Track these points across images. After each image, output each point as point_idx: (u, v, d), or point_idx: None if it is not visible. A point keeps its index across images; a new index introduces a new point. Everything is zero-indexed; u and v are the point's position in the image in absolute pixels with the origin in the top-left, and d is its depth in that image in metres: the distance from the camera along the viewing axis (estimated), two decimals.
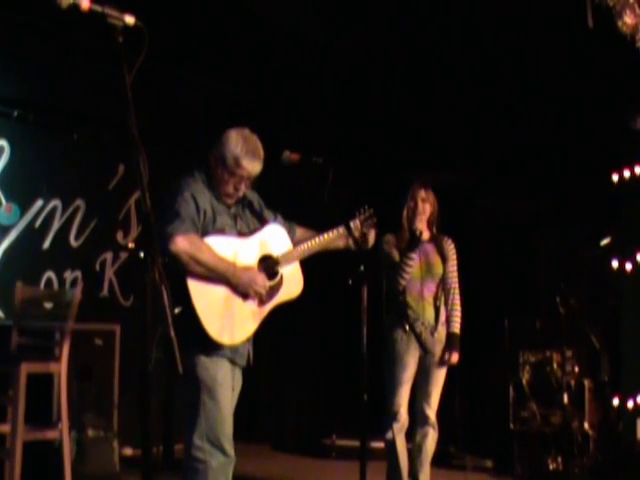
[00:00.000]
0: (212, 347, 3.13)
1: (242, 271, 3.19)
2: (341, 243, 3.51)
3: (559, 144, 6.42)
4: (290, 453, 6.77)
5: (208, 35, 5.69)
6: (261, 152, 3.26)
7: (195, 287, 3.07)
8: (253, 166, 3.23)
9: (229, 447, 3.17)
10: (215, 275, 3.11)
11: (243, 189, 3.29)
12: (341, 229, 3.46)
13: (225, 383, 3.20)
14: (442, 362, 4.44)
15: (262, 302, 3.27)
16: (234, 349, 3.22)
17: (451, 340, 4.46)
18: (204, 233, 3.15)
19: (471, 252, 4.88)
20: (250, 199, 3.44)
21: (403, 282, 4.43)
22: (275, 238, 3.41)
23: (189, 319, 3.02)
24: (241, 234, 3.31)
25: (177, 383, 3.25)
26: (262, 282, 3.24)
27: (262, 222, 3.43)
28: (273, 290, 3.31)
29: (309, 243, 3.44)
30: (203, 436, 3.11)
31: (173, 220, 3.06)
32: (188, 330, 3.01)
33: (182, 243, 3.02)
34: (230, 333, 3.16)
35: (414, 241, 4.41)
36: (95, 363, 5.20)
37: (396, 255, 4.49)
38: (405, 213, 4.54)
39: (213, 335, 3.08)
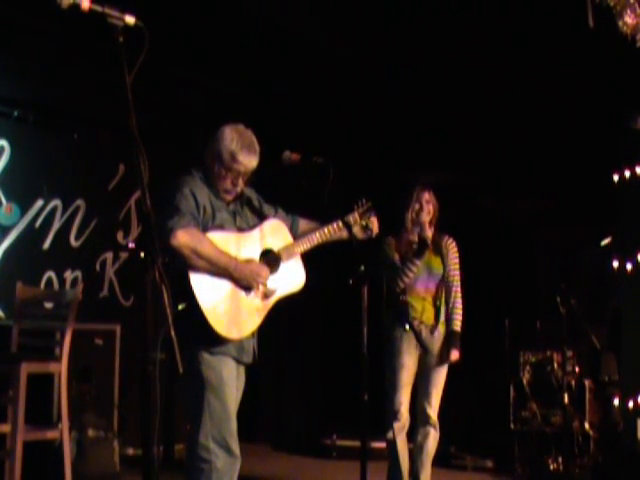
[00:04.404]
0: (217, 345, 3.13)
1: (244, 264, 3.20)
2: (345, 234, 3.50)
3: (559, 144, 6.42)
4: (290, 453, 6.76)
5: (208, 35, 5.69)
6: (256, 146, 3.27)
7: (198, 282, 3.07)
8: (249, 160, 3.24)
9: (235, 446, 3.17)
10: (217, 269, 3.11)
11: (241, 184, 3.30)
12: (340, 223, 3.46)
13: (230, 381, 3.20)
14: (442, 359, 4.44)
15: (266, 296, 3.27)
16: (240, 347, 3.22)
17: (451, 337, 4.46)
18: (204, 229, 3.16)
19: (471, 252, 4.87)
20: (248, 196, 3.45)
21: (402, 285, 4.44)
22: (275, 232, 3.41)
23: (193, 316, 3.02)
24: (241, 230, 3.31)
25: (180, 382, 3.24)
26: (265, 274, 3.25)
27: (261, 218, 3.43)
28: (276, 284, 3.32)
29: (310, 237, 3.45)
30: (208, 435, 3.11)
31: (173, 215, 3.06)
32: (193, 328, 3.02)
33: (183, 237, 3.02)
34: (238, 328, 3.16)
35: (423, 248, 4.41)
36: (95, 363, 5.20)
37: (397, 258, 4.49)
38: (409, 215, 4.53)
39: (221, 331, 3.08)
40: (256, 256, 3.30)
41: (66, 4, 2.06)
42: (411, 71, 6.18)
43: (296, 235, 3.51)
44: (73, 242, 5.83)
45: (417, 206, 4.52)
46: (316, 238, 3.46)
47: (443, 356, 4.43)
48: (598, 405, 6.00)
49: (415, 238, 4.49)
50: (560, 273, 6.74)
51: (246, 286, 3.21)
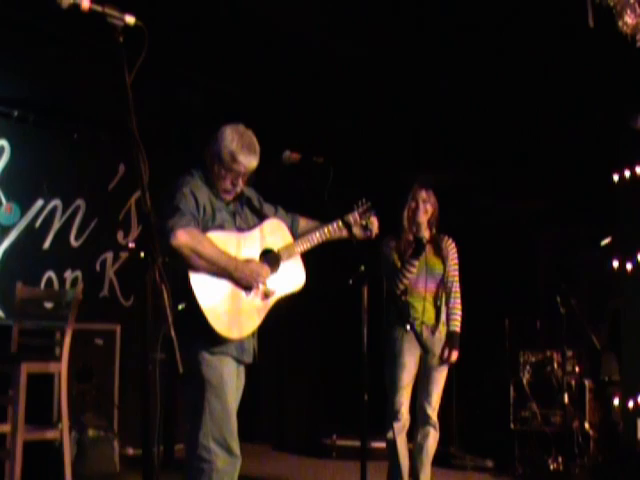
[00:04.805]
0: (218, 345, 3.13)
1: (244, 264, 3.20)
2: (345, 233, 3.50)
3: (559, 144, 6.42)
4: (290, 453, 6.77)
5: (208, 35, 5.69)
6: (256, 147, 3.27)
7: (198, 282, 3.07)
8: (249, 161, 3.24)
9: (235, 446, 3.17)
10: (217, 269, 3.11)
11: (240, 184, 3.30)
12: (340, 223, 3.47)
13: (230, 381, 3.20)
14: (442, 360, 4.44)
15: (266, 296, 3.28)
16: (240, 347, 3.23)
17: (451, 338, 4.47)
18: (204, 229, 3.16)
19: (471, 252, 4.87)
20: (248, 196, 3.45)
21: (402, 287, 4.44)
22: (275, 232, 3.42)
23: (193, 316, 3.02)
24: (241, 230, 3.32)
25: (180, 382, 3.24)
26: (266, 274, 3.25)
27: (261, 218, 3.44)
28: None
29: (310, 237, 3.46)
30: (209, 435, 3.11)
31: (173, 215, 3.06)
32: (193, 327, 3.02)
33: (183, 237, 3.02)
34: (238, 328, 3.17)
35: (419, 249, 4.41)
36: (95, 363, 5.20)
37: (396, 258, 4.49)
38: (406, 214, 4.53)
39: (221, 331, 3.08)
40: (256, 256, 3.30)
41: (66, 4, 2.06)
42: (411, 71, 6.18)
43: (296, 234, 3.52)
44: (73, 242, 5.83)
45: (413, 204, 4.51)
46: (316, 238, 3.47)
47: (443, 357, 4.44)
48: (598, 405, 6.00)
49: (412, 238, 4.49)
50: (560, 273, 6.75)
51: (246, 286, 3.21)
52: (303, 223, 3.60)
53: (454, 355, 4.45)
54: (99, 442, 4.95)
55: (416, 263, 4.42)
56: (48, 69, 5.61)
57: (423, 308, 4.47)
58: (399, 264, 4.46)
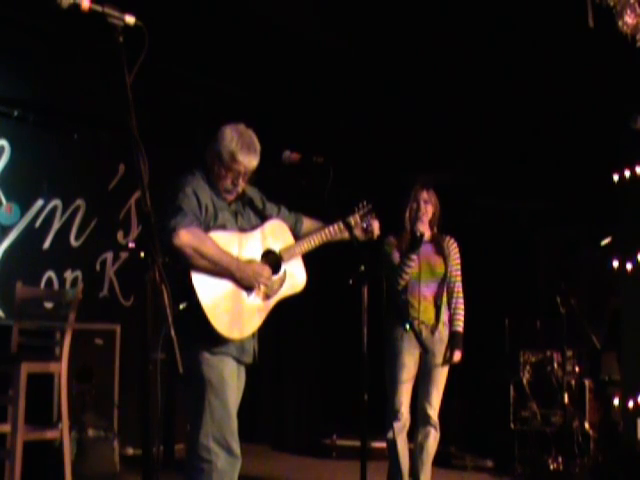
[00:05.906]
0: (218, 345, 3.13)
1: (246, 264, 3.20)
2: (346, 234, 3.50)
3: (559, 144, 6.42)
4: (290, 453, 6.77)
5: (209, 35, 5.69)
6: (257, 146, 3.27)
7: (200, 282, 3.07)
8: (249, 160, 3.24)
9: (235, 446, 3.16)
10: (219, 268, 3.11)
11: (241, 184, 3.30)
12: (341, 224, 3.47)
13: (231, 381, 3.20)
14: (445, 361, 4.45)
15: (267, 296, 3.28)
16: (241, 347, 3.23)
17: (454, 339, 4.47)
18: (206, 229, 3.16)
19: (471, 252, 4.87)
20: (250, 196, 3.44)
21: (402, 282, 4.44)
22: (276, 233, 3.41)
23: (195, 316, 3.02)
24: (242, 230, 3.32)
25: (181, 382, 3.24)
26: (267, 275, 3.25)
27: (263, 218, 3.44)
28: (277, 284, 3.33)
29: (311, 238, 3.45)
30: (209, 435, 3.11)
31: (176, 214, 3.06)
32: (194, 327, 3.02)
33: (186, 236, 3.02)
34: (239, 328, 3.17)
35: (415, 243, 4.42)
36: (95, 363, 5.20)
37: (396, 257, 4.50)
38: (407, 214, 4.54)
39: (222, 331, 3.08)
40: (257, 256, 3.30)
41: (66, 4, 2.06)
42: (412, 71, 6.18)
43: (299, 234, 3.52)
44: (73, 242, 5.83)
45: (414, 205, 4.52)
46: (317, 239, 3.47)
47: (446, 357, 4.44)
48: (598, 405, 6.00)
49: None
50: (560, 273, 6.75)
51: (248, 286, 3.21)
52: (307, 224, 3.60)
53: (457, 355, 4.45)
54: (99, 442, 4.95)
55: (414, 257, 4.42)
56: (48, 69, 5.61)
57: (423, 308, 4.47)
58: (399, 261, 4.47)
